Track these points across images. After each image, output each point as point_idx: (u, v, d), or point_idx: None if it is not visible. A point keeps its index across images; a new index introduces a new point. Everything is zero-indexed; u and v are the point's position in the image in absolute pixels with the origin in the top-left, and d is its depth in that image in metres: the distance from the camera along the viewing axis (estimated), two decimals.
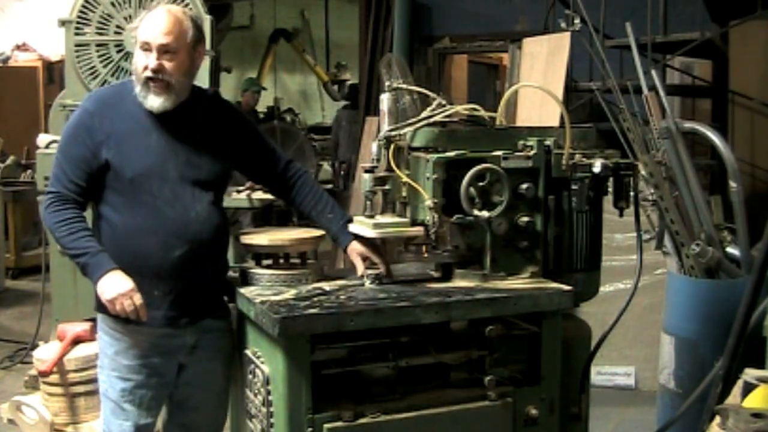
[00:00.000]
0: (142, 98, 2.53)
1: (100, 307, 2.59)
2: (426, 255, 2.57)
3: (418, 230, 2.51)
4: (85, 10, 4.22)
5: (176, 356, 2.63)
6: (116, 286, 2.44)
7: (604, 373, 4.81)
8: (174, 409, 2.75)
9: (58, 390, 3.77)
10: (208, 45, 4.15)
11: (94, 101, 2.62)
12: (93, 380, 3.22)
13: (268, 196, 5.05)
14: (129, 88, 2.62)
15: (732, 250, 3.64)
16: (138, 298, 2.44)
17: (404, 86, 2.62)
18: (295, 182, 2.79)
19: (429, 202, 2.44)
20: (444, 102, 2.57)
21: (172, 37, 2.49)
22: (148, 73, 2.49)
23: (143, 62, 2.50)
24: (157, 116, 2.56)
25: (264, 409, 2.34)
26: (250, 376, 2.45)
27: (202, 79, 4.16)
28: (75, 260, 2.50)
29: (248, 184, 5.18)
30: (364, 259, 2.62)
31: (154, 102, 2.52)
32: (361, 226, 2.58)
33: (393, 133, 2.55)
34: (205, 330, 2.64)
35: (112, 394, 2.61)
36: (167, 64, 2.49)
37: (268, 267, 2.63)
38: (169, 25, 2.49)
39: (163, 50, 2.49)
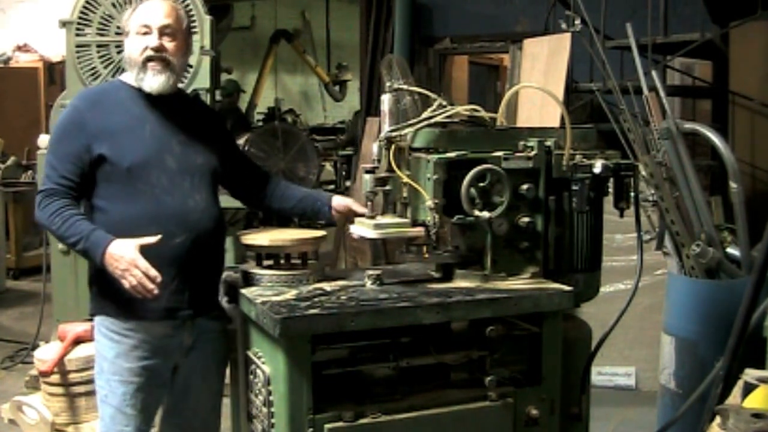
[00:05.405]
0: (140, 81, 2.56)
1: (98, 309, 2.59)
2: (427, 255, 2.56)
3: (419, 231, 2.51)
4: (86, 11, 4.22)
5: (173, 357, 2.63)
6: (119, 257, 2.35)
7: (604, 373, 4.81)
8: (168, 411, 2.74)
9: (59, 390, 3.78)
10: (208, 45, 4.20)
11: (83, 99, 2.62)
12: (93, 380, 3.21)
13: None
14: (117, 85, 2.67)
15: (732, 251, 3.64)
16: (143, 263, 2.34)
17: (405, 87, 2.62)
18: (267, 184, 2.83)
19: (430, 203, 2.45)
20: (445, 103, 2.57)
21: (172, 19, 2.57)
22: (149, 53, 2.53)
23: (141, 44, 2.54)
24: (148, 109, 2.57)
25: (265, 410, 2.34)
26: (251, 377, 2.45)
27: (203, 80, 4.19)
28: (74, 249, 2.45)
29: None
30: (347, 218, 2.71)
31: (154, 82, 2.55)
32: (362, 226, 2.59)
33: (394, 133, 2.55)
34: (201, 330, 2.64)
35: (113, 399, 2.59)
36: (167, 45, 2.55)
37: (269, 267, 2.63)
38: (168, 9, 2.58)
39: (164, 32, 2.55)
